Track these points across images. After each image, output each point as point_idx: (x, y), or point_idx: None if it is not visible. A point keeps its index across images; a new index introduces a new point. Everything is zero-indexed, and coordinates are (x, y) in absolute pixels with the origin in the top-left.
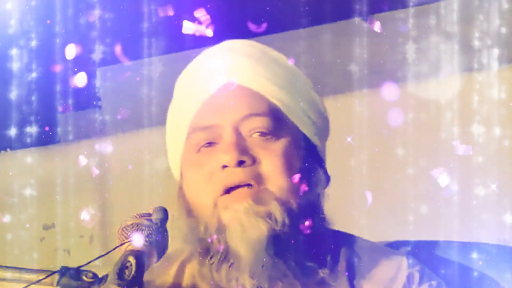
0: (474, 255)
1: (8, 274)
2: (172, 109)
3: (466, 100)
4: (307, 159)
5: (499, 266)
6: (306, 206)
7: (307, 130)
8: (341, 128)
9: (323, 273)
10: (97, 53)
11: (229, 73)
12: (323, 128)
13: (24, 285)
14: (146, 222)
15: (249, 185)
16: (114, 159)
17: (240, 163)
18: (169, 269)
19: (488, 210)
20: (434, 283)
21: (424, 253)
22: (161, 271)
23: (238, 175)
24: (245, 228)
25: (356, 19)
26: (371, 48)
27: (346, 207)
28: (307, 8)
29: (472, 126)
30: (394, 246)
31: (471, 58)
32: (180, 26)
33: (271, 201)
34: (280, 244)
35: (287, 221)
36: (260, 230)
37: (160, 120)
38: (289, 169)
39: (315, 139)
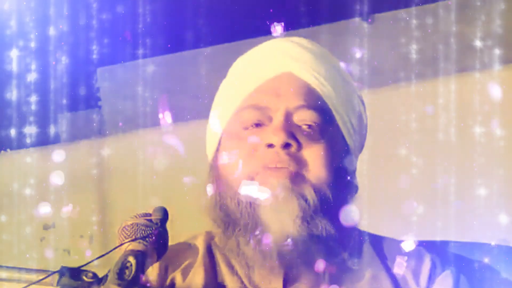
0: (474, 255)
1: (8, 274)
2: (223, 87)
3: (466, 100)
4: (343, 162)
5: (499, 266)
6: (337, 201)
7: (348, 136)
8: None
9: (348, 259)
10: (97, 53)
11: (290, 63)
12: (361, 139)
13: (24, 285)
14: (146, 222)
15: (287, 169)
16: (114, 159)
17: (286, 145)
18: (195, 252)
19: (489, 210)
20: (452, 269)
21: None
22: (186, 254)
23: (281, 156)
24: (279, 202)
25: (356, 19)
26: (371, 48)
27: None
28: (307, 8)
29: (473, 126)
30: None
31: (471, 58)
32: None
33: (307, 186)
34: (309, 225)
35: (318, 206)
36: (293, 206)
37: (159, 120)
38: (329, 164)
39: (352, 148)
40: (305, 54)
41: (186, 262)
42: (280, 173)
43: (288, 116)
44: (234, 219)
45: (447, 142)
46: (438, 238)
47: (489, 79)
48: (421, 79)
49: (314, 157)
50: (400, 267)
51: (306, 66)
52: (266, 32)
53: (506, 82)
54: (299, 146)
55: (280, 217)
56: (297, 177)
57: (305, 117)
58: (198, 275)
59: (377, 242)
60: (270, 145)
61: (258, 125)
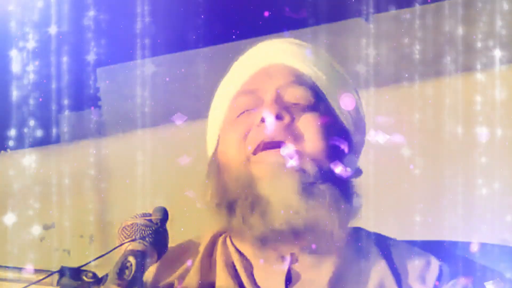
0: (475, 255)
1: (8, 274)
2: (223, 82)
3: (469, 100)
4: (340, 140)
5: (499, 266)
6: (338, 179)
7: (343, 118)
8: None
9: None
10: (97, 54)
11: (282, 56)
12: (359, 131)
13: (24, 285)
14: (146, 222)
15: (283, 143)
16: (114, 159)
17: (278, 117)
18: (201, 242)
19: (490, 210)
20: (462, 279)
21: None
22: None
23: (275, 130)
24: (277, 177)
25: (356, 19)
26: (371, 48)
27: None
28: (307, 8)
29: (475, 126)
30: None
31: (473, 58)
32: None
33: (305, 160)
34: (312, 193)
35: (319, 176)
36: (292, 179)
37: (161, 120)
38: (324, 137)
39: (351, 128)
40: (297, 49)
41: (184, 266)
42: (276, 153)
43: (279, 93)
44: (236, 198)
45: (449, 142)
46: (440, 238)
47: (490, 79)
48: (421, 79)
49: (309, 127)
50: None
51: (297, 57)
52: (265, 32)
53: (507, 82)
54: (292, 118)
55: (280, 191)
56: (294, 152)
57: (296, 93)
58: (193, 280)
59: (385, 244)
60: (263, 120)
61: (250, 110)
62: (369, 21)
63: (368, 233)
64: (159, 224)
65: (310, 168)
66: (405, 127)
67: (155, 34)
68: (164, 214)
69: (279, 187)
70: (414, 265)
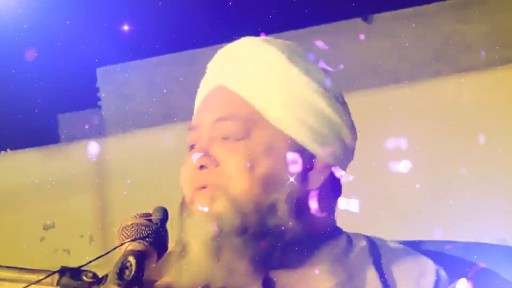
0: (475, 255)
1: (8, 274)
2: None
3: (468, 100)
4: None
5: (499, 266)
6: (272, 211)
7: (303, 137)
8: None
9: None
10: (97, 54)
11: (222, 77)
12: (339, 143)
13: (24, 285)
14: (146, 222)
15: (206, 187)
16: (114, 159)
17: (201, 167)
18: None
19: (490, 210)
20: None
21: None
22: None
23: (200, 177)
24: (198, 226)
25: (356, 19)
26: (371, 48)
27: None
28: (307, 8)
29: (473, 126)
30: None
31: (472, 57)
32: (180, 26)
33: (226, 204)
34: (222, 248)
35: (239, 223)
36: (209, 229)
37: (160, 120)
38: (256, 178)
39: (315, 148)
40: (243, 64)
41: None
42: (203, 195)
43: (210, 132)
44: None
45: (448, 142)
46: (439, 238)
47: (490, 79)
48: (422, 79)
49: (233, 172)
50: None
51: (239, 79)
52: (265, 32)
53: (507, 81)
54: (216, 163)
55: (200, 239)
56: (216, 195)
57: (222, 129)
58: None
59: (376, 249)
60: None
61: (193, 145)
62: (368, 21)
63: (359, 238)
64: (159, 224)
65: (231, 216)
66: (405, 127)
67: (155, 34)
68: (164, 214)
69: (199, 237)
70: (408, 272)
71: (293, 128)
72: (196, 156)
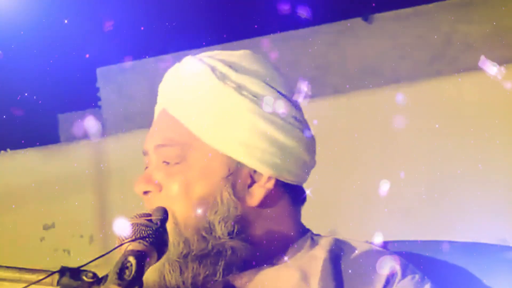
0: (475, 255)
1: (8, 274)
2: None
3: (467, 100)
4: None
5: (499, 266)
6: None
7: (239, 154)
8: (342, 128)
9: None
10: (97, 53)
11: (164, 101)
12: (272, 149)
13: (24, 285)
14: (146, 222)
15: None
16: (114, 159)
17: (145, 193)
18: None
19: (490, 210)
20: (417, 276)
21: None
22: None
23: (146, 203)
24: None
25: (356, 19)
26: (371, 48)
27: (347, 207)
28: (306, 8)
29: (473, 125)
30: (395, 247)
31: (472, 57)
32: (180, 27)
33: (171, 229)
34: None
35: (181, 246)
36: (154, 256)
37: None
38: (189, 196)
39: (254, 163)
40: (180, 88)
41: None
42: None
43: (154, 157)
44: None
45: (448, 141)
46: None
47: (490, 79)
48: (421, 79)
49: (172, 195)
50: None
51: (176, 103)
52: (265, 32)
53: (507, 81)
54: (160, 187)
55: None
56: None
57: (162, 155)
58: None
59: (338, 258)
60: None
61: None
62: (367, 21)
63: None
64: (159, 224)
65: (175, 243)
66: (405, 127)
67: (155, 34)
68: (164, 214)
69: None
70: (363, 268)
71: (227, 146)
72: (137, 185)
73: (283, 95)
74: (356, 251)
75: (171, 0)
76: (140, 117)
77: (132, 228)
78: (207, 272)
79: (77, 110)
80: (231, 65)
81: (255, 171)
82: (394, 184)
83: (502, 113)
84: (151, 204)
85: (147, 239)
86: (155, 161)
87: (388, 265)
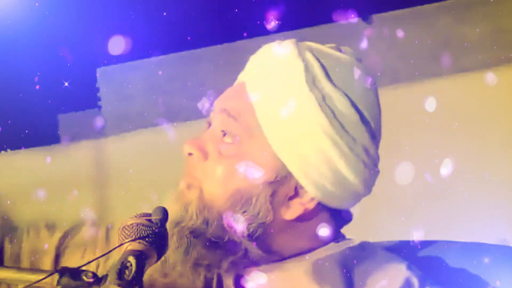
0: (475, 255)
1: (8, 274)
2: None
3: (468, 100)
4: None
5: (499, 266)
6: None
7: (294, 167)
8: None
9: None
10: (97, 53)
11: (246, 74)
12: (331, 177)
13: (24, 285)
14: (146, 222)
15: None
16: (114, 159)
17: (190, 154)
18: None
19: (490, 210)
20: None
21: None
22: None
23: (188, 167)
24: (167, 205)
25: (356, 19)
26: (371, 48)
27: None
28: (306, 8)
29: (473, 126)
30: (395, 247)
31: (473, 58)
32: (180, 26)
33: (195, 199)
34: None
35: (199, 222)
36: (174, 213)
37: (160, 120)
38: (229, 183)
39: (306, 182)
40: (265, 72)
41: None
42: (185, 179)
43: (217, 118)
44: None
45: (447, 142)
46: (438, 238)
47: (489, 79)
48: (421, 79)
49: (212, 172)
50: None
51: (256, 85)
52: (264, 32)
53: (507, 81)
54: (205, 157)
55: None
56: (192, 187)
57: (226, 124)
58: None
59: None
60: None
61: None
62: (367, 21)
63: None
64: (159, 224)
65: (193, 216)
66: (404, 127)
67: (155, 34)
68: (164, 214)
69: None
70: (376, 277)
71: (285, 153)
72: (187, 145)
73: (364, 121)
74: (373, 259)
75: (171, 0)
76: (140, 117)
77: (132, 228)
78: (212, 260)
79: (77, 110)
80: (327, 69)
81: (302, 186)
82: (394, 184)
83: (502, 113)
84: (190, 167)
85: (147, 239)
86: (215, 124)
87: (404, 274)
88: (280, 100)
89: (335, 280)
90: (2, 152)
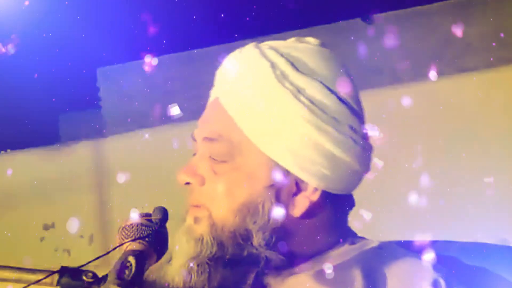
0: (475, 255)
1: (8, 274)
2: None
3: (468, 100)
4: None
5: (499, 266)
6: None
7: (288, 163)
8: None
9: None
10: (97, 53)
11: (218, 89)
12: (324, 161)
13: (24, 285)
14: (146, 222)
15: (198, 206)
16: (114, 159)
17: (187, 183)
18: None
19: (490, 210)
20: None
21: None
22: None
23: (191, 195)
24: (180, 245)
25: (356, 19)
26: (371, 48)
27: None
28: (306, 8)
29: (473, 126)
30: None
31: (473, 58)
32: (181, 26)
33: (207, 228)
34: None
35: (215, 248)
36: (188, 249)
37: (160, 120)
38: (232, 200)
39: (303, 175)
40: (237, 80)
41: None
42: (190, 213)
43: (201, 147)
44: None
45: (447, 142)
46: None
47: (490, 79)
48: (421, 79)
49: (213, 192)
50: None
51: (231, 96)
52: (265, 33)
53: (507, 81)
54: (202, 182)
55: (178, 259)
56: (200, 216)
57: (210, 148)
58: None
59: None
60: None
61: (194, 155)
62: (367, 21)
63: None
64: (159, 224)
65: (209, 239)
66: (404, 127)
67: (156, 34)
68: (164, 214)
69: (180, 255)
70: (404, 280)
71: (276, 152)
72: (180, 175)
73: (343, 101)
74: (394, 260)
75: (172, 0)
76: (140, 117)
77: (132, 228)
78: (237, 278)
79: (77, 110)
80: (293, 62)
81: (301, 180)
82: (394, 184)
83: (502, 113)
84: (191, 196)
85: (147, 239)
86: (202, 153)
87: (431, 277)
88: (256, 104)
89: (359, 284)
90: (2, 152)
